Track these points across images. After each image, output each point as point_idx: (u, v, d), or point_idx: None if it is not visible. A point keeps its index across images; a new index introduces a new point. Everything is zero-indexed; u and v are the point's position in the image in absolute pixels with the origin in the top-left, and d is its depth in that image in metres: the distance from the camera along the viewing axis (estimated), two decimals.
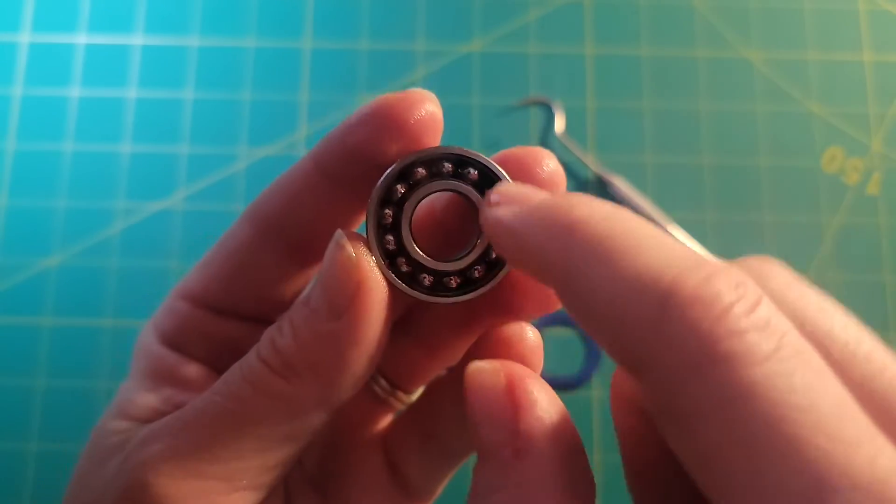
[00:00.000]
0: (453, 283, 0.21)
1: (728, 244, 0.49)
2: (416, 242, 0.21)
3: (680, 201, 0.50)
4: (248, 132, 0.50)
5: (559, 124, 0.50)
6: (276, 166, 0.49)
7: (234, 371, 0.21)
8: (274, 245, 0.23)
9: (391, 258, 0.21)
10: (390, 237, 0.21)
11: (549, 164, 0.22)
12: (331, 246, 0.20)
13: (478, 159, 0.21)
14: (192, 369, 0.24)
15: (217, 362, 0.24)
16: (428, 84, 0.52)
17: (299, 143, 0.50)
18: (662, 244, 0.15)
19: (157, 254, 0.48)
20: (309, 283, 0.25)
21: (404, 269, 0.21)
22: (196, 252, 0.48)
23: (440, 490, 0.25)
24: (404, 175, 0.21)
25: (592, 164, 0.49)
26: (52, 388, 0.46)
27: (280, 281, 0.24)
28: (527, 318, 0.22)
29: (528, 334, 0.21)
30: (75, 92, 0.51)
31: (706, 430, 0.13)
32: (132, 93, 0.51)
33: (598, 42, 0.53)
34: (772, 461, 0.13)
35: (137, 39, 0.52)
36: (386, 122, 0.20)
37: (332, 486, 0.25)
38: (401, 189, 0.21)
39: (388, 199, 0.21)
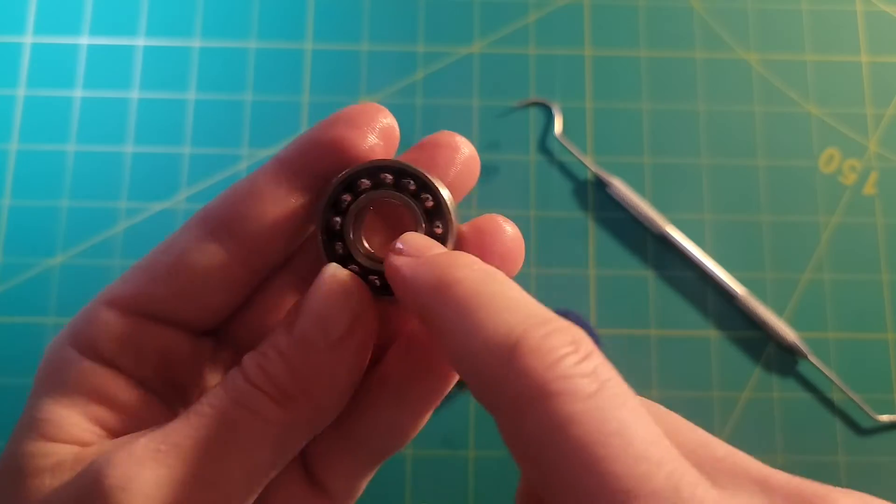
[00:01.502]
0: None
1: (726, 245, 0.50)
2: (366, 247, 0.23)
3: (678, 202, 0.50)
4: (250, 133, 0.51)
5: (558, 125, 0.51)
6: None
7: (219, 395, 0.20)
8: (223, 247, 0.22)
9: (342, 263, 0.22)
10: (339, 244, 0.23)
11: (465, 150, 0.23)
12: (324, 277, 0.21)
13: (415, 171, 0.22)
14: (121, 384, 0.22)
15: (146, 375, 0.23)
16: (428, 85, 0.52)
17: None
18: (521, 304, 0.18)
19: None
20: (256, 291, 0.24)
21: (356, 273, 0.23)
22: None
23: (362, 490, 0.24)
24: (350, 185, 0.23)
25: (591, 165, 0.50)
26: None
27: (227, 287, 0.23)
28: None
29: (507, 228, 0.22)
30: (78, 93, 0.51)
31: (542, 456, 0.16)
32: (135, 94, 0.51)
33: (597, 44, 0.53)
34: (588, 477, 0.15)
35: (140, 41, 0.52)
36: (350, 124, 0.22)
37: None
38: (347, 198, 0.23)
39: (336, 207, 0.23)
